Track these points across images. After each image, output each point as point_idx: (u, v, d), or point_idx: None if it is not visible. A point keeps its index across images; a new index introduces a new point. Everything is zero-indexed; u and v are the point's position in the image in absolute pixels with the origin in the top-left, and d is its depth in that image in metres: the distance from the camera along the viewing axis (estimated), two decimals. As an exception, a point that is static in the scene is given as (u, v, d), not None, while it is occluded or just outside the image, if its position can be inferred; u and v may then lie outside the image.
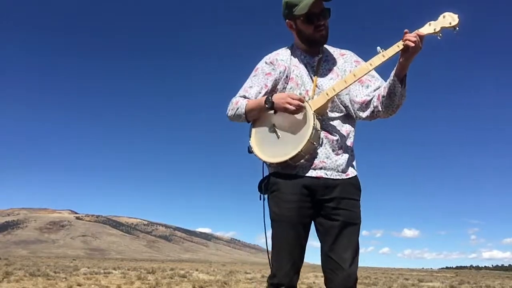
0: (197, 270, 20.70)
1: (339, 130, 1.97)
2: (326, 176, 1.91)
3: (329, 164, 1.93)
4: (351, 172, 1.98)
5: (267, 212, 2.01)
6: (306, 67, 2.03)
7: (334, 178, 1.92)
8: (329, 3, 1.94)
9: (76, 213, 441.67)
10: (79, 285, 9.50)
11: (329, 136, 1.94)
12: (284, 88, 2.02)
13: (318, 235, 1.98)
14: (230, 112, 2.08)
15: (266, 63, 2.10)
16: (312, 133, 1.83)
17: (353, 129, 2.03)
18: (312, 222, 1.98)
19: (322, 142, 1.92)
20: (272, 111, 1.95)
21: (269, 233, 2.02)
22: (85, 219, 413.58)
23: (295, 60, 2.05)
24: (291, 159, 1.86)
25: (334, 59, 2.07)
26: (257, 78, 2.09)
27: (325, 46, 2.08)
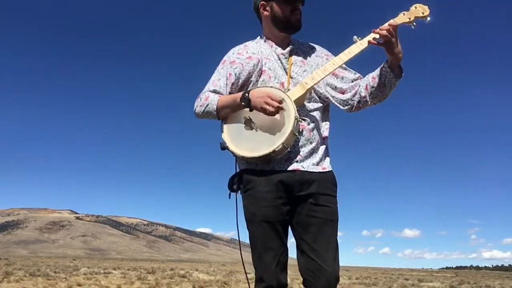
0: (197, 270, 20.69)
1: (315, 122, 1.92)
2: (303, 169, 1.84)
3: (305, 156, 1.86)
4: (327, 166, 1.92)
5: (240, 211, 1.93)
6: (278, 58, 1.96)
7: (311, 171, 1.85)
8: None
9: (76, 213, 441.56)
10: (79, 285, 9.48)
11: (306, 127, 1.88)
12: (257, 81, 1.93)
13: (294, 234, 1.90)
14: (198, 108, 1.94)
15: (233, 53, 2.02)
16: (294, 123, 1.76)
17: (328, 122, 2.00)
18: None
19: (301, 134, 1.85)
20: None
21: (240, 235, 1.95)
22: (85, 219, 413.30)
23: (266, 53, 1.97)
24: (273, 152, 1.76)
25: (305, 51, 2.03)
26: (225, 70, 1.98)
27: (295, 39, 2.05)
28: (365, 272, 35.90)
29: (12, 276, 11.11)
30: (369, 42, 1.80)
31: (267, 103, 1.75)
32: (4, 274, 11.42)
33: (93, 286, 9.59)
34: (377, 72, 1.86)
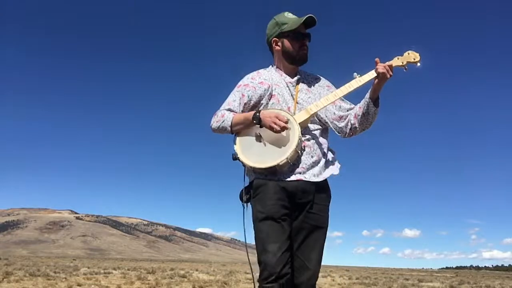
0: (197, 270, 20.73)
1: (315, 139, 2.22)
2: (305, 179, 2.12)
3: (307, 168, 2.15)
4: (326, 176, 2.21)
5: (248, 221, 2.15)
6: (287, 86, 2.26)
7: (311, 181, 2.13)
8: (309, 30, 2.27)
9: (76, 213, 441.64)
10: (79, 285, 9.51)
11: (308, 143, 2.18)
12: (267, 103, 2.23)
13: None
14: (215, 124, 2.24)
15: (247, 78, 2.31)
16: (298, 142, 2.06)
17: (327, 141, 2.30)
18: None
19: (303, 150, 2.14)
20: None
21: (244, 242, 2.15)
22: (85, 219, 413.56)
23: (276, 80, 2.27)
24: (278, 165, 2.05)
25: (310, 81, 2.35)
26: (239, 92, 2.28)
27: (302, 69, 2.35)
28: (365, 272, 35.97)
29: (12, 276, 11.13)
30: (376, 70, 2.06)
31: (275, 123, 2.05)
32: (4, 274, 11.44)
33: (93, 286, 9.60)
34: (362, 102, 2.17)
